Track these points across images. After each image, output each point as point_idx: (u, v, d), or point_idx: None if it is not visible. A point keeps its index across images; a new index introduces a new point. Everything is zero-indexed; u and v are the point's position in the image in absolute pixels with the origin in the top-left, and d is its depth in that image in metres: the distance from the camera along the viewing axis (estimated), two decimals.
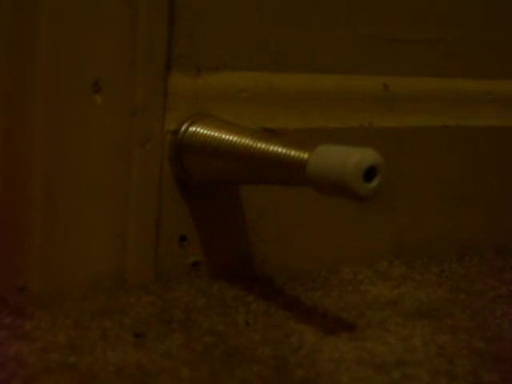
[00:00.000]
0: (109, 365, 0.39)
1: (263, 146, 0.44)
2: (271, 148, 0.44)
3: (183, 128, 0.48)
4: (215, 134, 0.47)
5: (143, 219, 0.48)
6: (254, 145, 0.45)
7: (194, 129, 0.48)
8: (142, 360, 0.39)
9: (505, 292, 0.53)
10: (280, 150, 0.43)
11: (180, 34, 0.48)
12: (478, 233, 0.62)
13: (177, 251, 0.50)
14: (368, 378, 0.40)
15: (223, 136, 0.47)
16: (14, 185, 0.44)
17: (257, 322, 0.45)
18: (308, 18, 0.53)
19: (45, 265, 0.45)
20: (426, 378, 0.40)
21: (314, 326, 0.45)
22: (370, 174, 0.40)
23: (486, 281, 0.55)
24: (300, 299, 0.49)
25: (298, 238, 0.54)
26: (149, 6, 0.46)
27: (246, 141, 0.45)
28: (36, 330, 0.42)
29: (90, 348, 0.40)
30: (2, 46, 0.42)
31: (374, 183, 0.40)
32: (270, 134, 0.49)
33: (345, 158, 0.39)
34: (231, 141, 0.46)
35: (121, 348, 0.40)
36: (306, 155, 0.42)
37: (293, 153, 0.43)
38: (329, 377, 0.39)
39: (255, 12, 0.51)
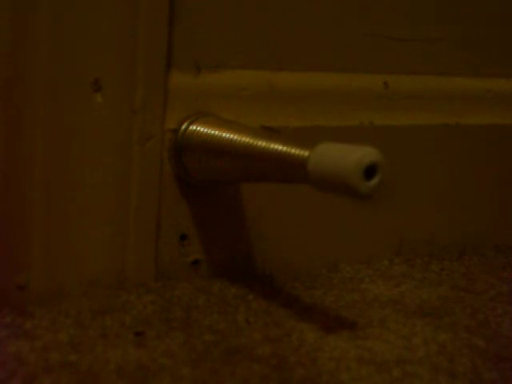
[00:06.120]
0: (109, 363, 0.39)
1: (264, 144, 0.44)
2: (272, 146, 0.44)
3: (183, 127, 0.48)
4: (215, 132, 0.47)
5: (143, 218, 0.48)
6: (255, 143, 0.45)
7: (195, 127, 0.48)
8: (142, 358, 0.39)
9: (505, 290, 0.53)
10: (281, 147, 0.43)
11: (180, 33, 0.48)
12: (479, 231, 0.62)
13: (177, 250, 0.50)
14: (368, 376, 0.40)
15: (223, 135, 0.47)
16: (13, 184, 0.44)
17: (257, 320, 0.45)
18: (308, 16, 0.53)
19: (45, 263, 0.45)
20: (426, 377, 0.40)
21: (314, 325, 0.45)
22: (370, 171, 0.40)
23: (487, 279, 0.55)
24: (300, 298, 0.49)
25: (299, 237, 0.54)
26: (149, 5, 0.46)
27: (246, 139, 0.45)
28: (36, 328, 0.42)
29: (90, 346, 0.40)
30: (2, 46, 0.42)
31: (374, 181, 0.40)
32: (271, 133, 0.49)
33: (345, 156, 0.39)
34: (231, 139, 0.46)
35: (121, 346, 0.40)
36: (306, 153, 0.42)
37: (293, 151, 0.43)
38: (329, 375, 0.39)
39: (255, 10, 0.51)
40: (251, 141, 0.45)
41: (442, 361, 0.42)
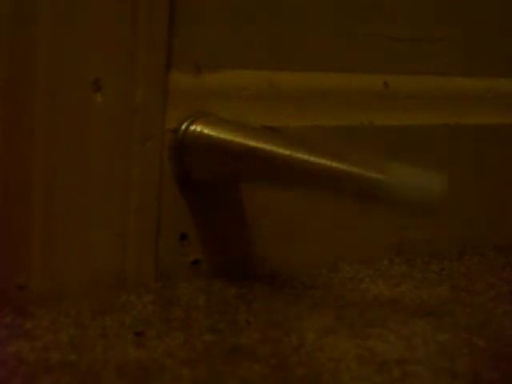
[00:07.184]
0: (109, 363, 0.39)
1: (267, 147, 0.45)
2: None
3: (183, 126, 0.48)
4: (216, 132, 0.47)
5: (143, 217, 0.48)
6: (257, 145, 0.45)
7: (195, 127, 0.48)
8: (142, 358, 0.39)
9: (505, 290, 0.53)
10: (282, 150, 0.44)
11: (180, 33, 0.48)
12: (479, 231, 0.62)
13: (177, 250, 0.50)
14: (369, 376, 0.40)
15: (224, 135, 0.47)
16: (13, 184, 0.44)
17: (257, 320, 0.45)
18: (308, 16, 0.53)
19: (45, 263, 0.45)
20: (426, 376, 0.40)
21: (314, 325, 0.45)
22: None
23: (487, 279, 0.55)
24: (300, 297, 0.49)
25: (299, 237, 0.54)
26: (149, 5, 0.46)
27: (246, 139, 0.45)
28: (36, 328, 0.42)
29: (90, 346, 0.40)
30: (2, 46, 0.42)
31: None
32: (271, 132, 0.49)
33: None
34: (232, 139, 0.46)
35: (121, 346, 0.40)
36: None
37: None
38: (329, 375, 0.39)
39: (255, 11, 0.51)
40: (253, 143, 0.45)
41: (442, 361, 0.42)
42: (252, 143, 0.45)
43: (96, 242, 0.47)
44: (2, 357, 0.38)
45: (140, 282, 0.48)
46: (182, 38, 0.49)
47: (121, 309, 0.45)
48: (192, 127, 0.48)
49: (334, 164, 0.44)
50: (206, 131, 0.48)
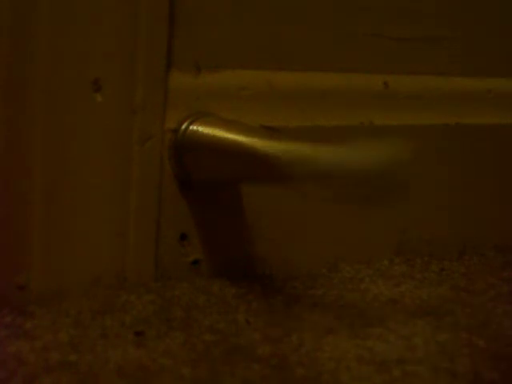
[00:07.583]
0: (109, 363, 0.39)
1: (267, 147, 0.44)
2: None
3: (183, 126, 0.48)
4: (216, 132, 0.47)
5: (143, 217, 0.48)
6: (256, 144, 0.45)
7: (195, 127, 0.48)
8: (142, 358, 0.39)
9: (505, 290, 0.53)
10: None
11: (180, 33, 0.48)
12: (479, 231, 0.62)
13: (177, 250, 0.50)
14: (369, 376, 0.40)
15: (224, 135, 0.47)
16: (13, 184, 0.44)
17: (257, 320, 0.45)
18: (308, 16, 0.53)
19: (45, 263, 0.45)
20: (426, 376, 0.40)
21: (314, 325, 0.45)
22: None
23: (487, 279, 0.55)
24: (300, 297, 0.49)
25: (299, 237, 0.54)
26: (149, 5, 0.46)
27: (246, 139, 0.45)
28: (36, 328, 0.42)
29: (90, 346, 0.40)
30: (2, 46, 0.42)
31: None
32: (271, 132, 0.49)
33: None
34: (232, 139, 0.46)
35: (121, 346, 0.40)
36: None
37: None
38: (329, 375, 0.39)
39: (255, 10, 0.51)
40: (252, 141, 0.45)
41: (442, 361, 0.42)
42: (251, 143, 0.45)
43: (96, 242, 0.47)
44: (2, 357, 0.38)
45: (140, 282, 0.48)
46: (181, 38, 0.49)
47: (121, 309, 0.45)
48: (192, 127, 0.48)
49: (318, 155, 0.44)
50: (206, 131, 0.48)
